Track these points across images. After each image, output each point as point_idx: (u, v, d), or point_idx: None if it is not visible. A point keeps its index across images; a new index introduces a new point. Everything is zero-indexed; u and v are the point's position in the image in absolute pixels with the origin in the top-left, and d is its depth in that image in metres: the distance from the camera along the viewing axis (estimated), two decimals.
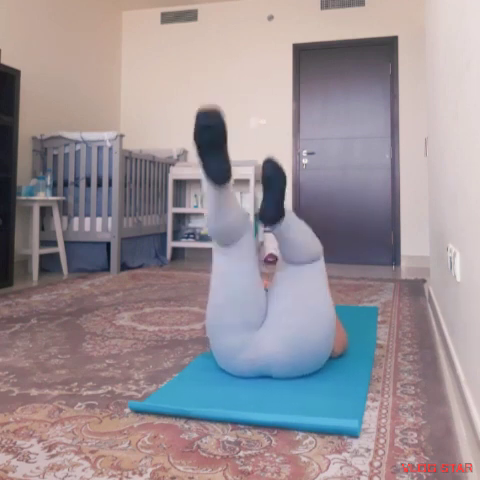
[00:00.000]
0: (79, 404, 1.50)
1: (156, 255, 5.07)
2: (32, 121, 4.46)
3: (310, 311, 1.65)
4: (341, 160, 5.25)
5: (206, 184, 1.57)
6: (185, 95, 5.76)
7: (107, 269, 4.39)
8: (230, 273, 1.67)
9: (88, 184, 4.40)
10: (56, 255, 4.36)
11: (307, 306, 1.66)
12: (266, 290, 1.78)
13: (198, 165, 1.58)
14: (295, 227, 1.70)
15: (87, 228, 4.36)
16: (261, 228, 4.76)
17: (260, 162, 5.41)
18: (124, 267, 4.50)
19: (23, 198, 3.96)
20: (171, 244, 5.14)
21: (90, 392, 1.60)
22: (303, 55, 5.42)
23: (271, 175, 1.62)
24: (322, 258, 1.78)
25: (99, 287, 3.58)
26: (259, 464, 1.15)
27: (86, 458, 1.18)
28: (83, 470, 1.13)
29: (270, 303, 1.71)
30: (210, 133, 1.47)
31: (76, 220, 4.39)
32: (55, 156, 4.47)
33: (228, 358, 1.69)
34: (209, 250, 5.61)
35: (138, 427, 1.35)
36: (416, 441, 1.27)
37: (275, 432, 1.32)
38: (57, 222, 4.20)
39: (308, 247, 1.71)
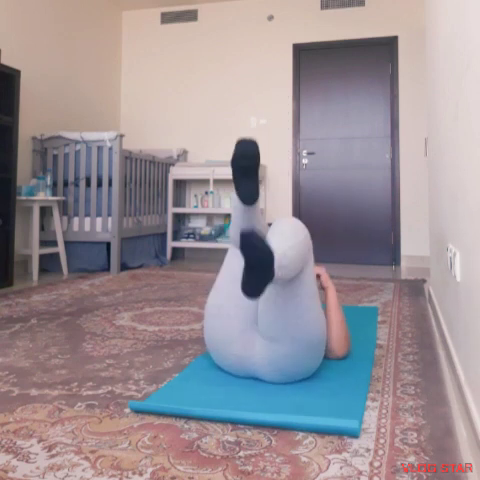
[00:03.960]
0: (79, 404, 1.50)
1: (156, 255, 5.07)
2: (32, 121, 4.46)
3: (297, 335, 1.57)
4: (341, 160, 5.25)
5: (236, 202, 1.73)
6: (185, 95, 5.76)
7: (107, 269, 4.39)
8: (238, 271, 1.73)
9: (88, 184, 4.40)
10: (56, 255, 4.36)
11: (294, 330, 1.57)
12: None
13: (233, 186, 1.72)
14: (287, 268, 1.46)
15: (87, 228, 4.36)
16: None
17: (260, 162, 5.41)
18: (124, 267, 4.50)
19: (23, 198, 3.96)
20: (171, 244, 5.14)
21: (90, 392, 1.60)
22: (303, 55, 5.42)
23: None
24: (312, 259, 1.65)
25: (99, 287, 3.58)
26: (259, 464, 1.15)
27: (86, 458, 1.18)
28: (83, 470, 1.13)
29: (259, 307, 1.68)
30: (246, 160, 1.62)
31: (76, 220, 4.39)
32: (55, 156, 4.47)
33: (219, 347, 1.70)
34: (209, 250, 5.62)
35: (138, 427, 1.35)
36: (416, 441, 1.27)
37: (275, 432, 1.32)
38: (57, 222, 4.20)
39: (296, 271, 1.52)
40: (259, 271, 1.37)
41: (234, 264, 1.78)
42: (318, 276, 1.98)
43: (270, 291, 1.58)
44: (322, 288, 1.96)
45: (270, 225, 1.68)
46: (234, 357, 1.68)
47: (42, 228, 4.41)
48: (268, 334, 1.62)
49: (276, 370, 1.63)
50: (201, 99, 5.70)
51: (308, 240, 1.60)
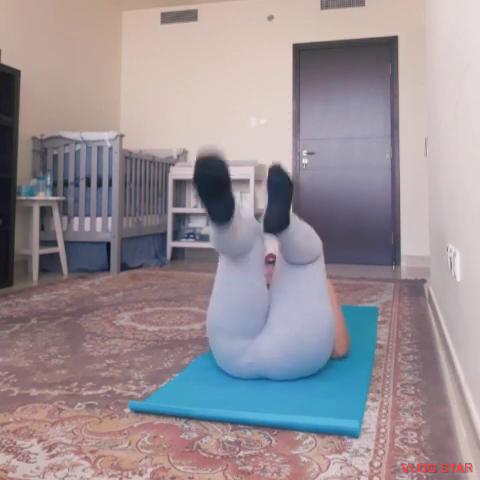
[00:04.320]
0: (79, 404, 1.50)
1: (156, 255, 5.07)
2: (32, 121, 4.46)
3: (307, 318, 1.63)
4: (341, 160, 5.25)
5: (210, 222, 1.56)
6: (185, 95, 5.76)
7: (107, 269, 4.39)
8: (234, 283, 1.66)
9: (88, 184, 4.40)
10: (56, 255, 4.36)
11: (304, 313, 1.64)
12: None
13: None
14: (299, 234, 1.66)
15: (87, 228, 4.36)
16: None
17: (260, 162, 5.42)
18: (124, 267, 4.50)
19: (23, 198, 3.96)
20: (171, 244, 5.14)
21: (90, 392, 1.60)
22: (303, 55, 5.42)
23: (277, 182, 1.57)
24: (322, 255, 1.77)
25: (99, 287, 3.58)
26: (259, 464, 1.15)
27: (86, 458, 1.18)
28: (83, 470, 1.13)
29: (270, 306, 1.71)
30: (210, 179, 1.42)
31: (76, 220, 4.39)
32: (55, 156, 4.47)
33: (227, 361, 1.70)
34: (209, 250, 5.61)
35: (138, 427, 1.35)
36: (416, 441, 1.27)
37: (275, 432, 1.32)
38: (57, 222, 4.20)
39: (310, 250, 1.69)
40: (282, 201, 1.55)
41: (224, 273, 1.71)
42: None
43: (284, 269, 1.71)
44: None
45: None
46: (244, 366, 1.68)
47: (42, 228, 4.41)
48: (282, 314, 1.65)
49: (285, 357, 1.61)
50: (201, 99, 5.70)
51: (320, 243, 1.76)
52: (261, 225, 1.62)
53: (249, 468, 1.14)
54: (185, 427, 1.35)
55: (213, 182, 1.42)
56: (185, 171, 5.19)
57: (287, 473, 1.12)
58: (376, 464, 1.15)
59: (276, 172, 1.57)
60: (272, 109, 5.47)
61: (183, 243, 5.12)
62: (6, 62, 4.09)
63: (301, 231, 1.67)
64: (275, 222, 1.57)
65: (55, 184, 4.44)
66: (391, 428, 1.34)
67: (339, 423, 1.29)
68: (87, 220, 4.37)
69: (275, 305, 1.69)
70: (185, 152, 5.69)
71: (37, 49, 4.55)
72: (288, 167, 5.36)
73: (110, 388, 1.64)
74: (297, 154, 5.36)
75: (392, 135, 5.12)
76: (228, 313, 1.65)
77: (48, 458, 1.19)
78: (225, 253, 1.64)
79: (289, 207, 1.59)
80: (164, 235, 5.30)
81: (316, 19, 5.37)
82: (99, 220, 4.34)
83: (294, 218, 1.66)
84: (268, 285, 1.77)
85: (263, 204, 5.38)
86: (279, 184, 1.57)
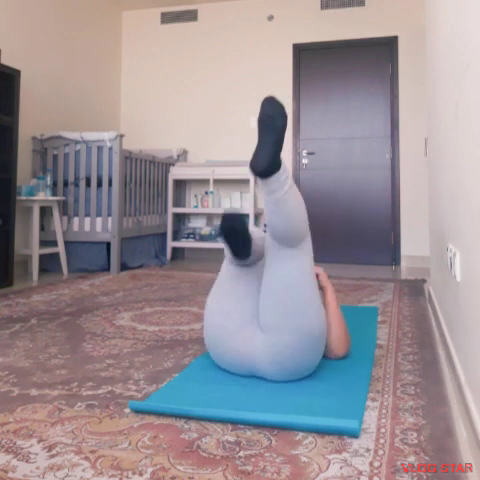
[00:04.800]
0: (79, 404, 1.50)
1: (156, 255, 5.07)
2: (32, 121, 4.46)
3: (297, 329, 1.58)
4: (341, 160, 5.25)
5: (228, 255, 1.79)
6: (185, 95, 5.76)
7: (107, 269, 4.39)
8: (239, 276, 1.77)
9: (88, 184, 4.40)
10: (56, 255, 4.36)
11: (295, 323, 1.58)
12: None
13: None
14: (290, 193, 1.54)
15: (87, 228, 4.36)
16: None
17: None
18: (124, 267, 4.50)
19: (23, 198, 3.96)
20: (171, 244, 5.14)
21: (90, 392, 1.60)
22: (303, 55, 5.42)
23: (270, 114, 1.46)
24: (309, 237, 1.68)
25: (99, 287, 3.58)
26: (259, 464, 1.15)
27: (86, 458, 1.18)
28: (83, 470, 1.13)
29: (260, 303, 1.69)
30: (233, 230, 1.61)
31: (76, 220, 4.39)
32: (55, 156, 4.47)
33: (217, 342, 1.70)
34: (209, 250, 5.62)
35: (138, 427, 1.35)
36: (416, 441, 1.26)
37: (275, 432, 1.32)
38: (57, 222, 4.20)
39: (299, 224, 1.58)
40: (273, 136, 1.47)
41: (234, 263, 1.79)
42: (317, 276, 1.98)
43: (271, 278, 1.63)
44: (320, 288, 1.96)
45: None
46: (234, 352, 1.67)
47: (42, 228, 4.41)
48: (269, 324, 1.61)
49: (276, 364, 1.61)
50: (201, 99, 5.70)
51: (306, 217, 1.65)
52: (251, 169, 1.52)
53: (249, 468, 1.14)
54: (185, 427, 1.35)
55: (237, 231, 1.61)
56: (185, 171, 5.19)
57: (287, 473, 1.12)
58: (376, 464, 1.15)
59: (270, 103, 1.48)
60: None
61: (183, 243, 5.12)
62: (6, 62, 4.09)
63: (292, 191, 1.55)
64: (263, 162, 1.47)
65: (55, 184, 4.44)
66: (391, 428, 1.34)
67: (339, 423, 1.29)
68: (87, 220, 4.37)
69: (264, 304, 1.65)
70: (185, 152, 5.69)
71: (37, 49, 4.55)
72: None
73: (110, 388, 1.64)
74: (297, 154, 5.36)
75: (392, 135, 5.12)
76: (229, 295, 1.73)
77: (48, 458, 1.19)
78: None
79: (280, 147, 1.49)
80: (164, 235, 5.30)
81: (316, 19, 5.37)
82: (99, 220, 4.34)
83: (289, 183, 1.55)
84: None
85: (262, 204, 5.39)
86: (272, 117, 1.46)
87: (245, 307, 1.69)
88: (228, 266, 1.81)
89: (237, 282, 1.74)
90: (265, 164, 1.47)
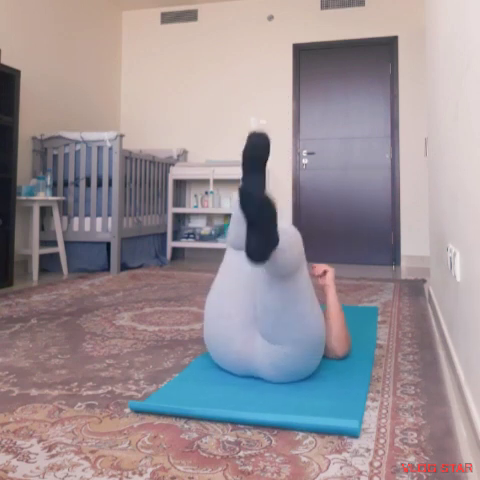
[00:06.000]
0: (79, 404, 1.50)
1: (156, 255, 5.07)
2: (32, 121, 4.46)
3: (298, 337, 1.57)
4: (341, 160, 5.25)
5: (236, 208, 1.70)
6: (185, 95, 5.76)
7: (107, 269, 4.39)
8: (241, 265, 1.75)
9: (88, 184, 4.40)
10: (56, 255, 4.36)
11: (295, 334, 1.57)
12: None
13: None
14: (290, 252, 1.50)
15: (87, 228, 4.36)
16: None
17: None
18: (124, 267, 4.50)
19: (23, 198, 3.96)
20: (171, 244, 5.14)
21: (90, 392, 1.60)
22: (303, 55, 5.42)
23: (254, 211, 1.34)
24: (304, 263, 1.62)
25: (99, 287, 3.58)
26: (259, 464, 1.15)
27: (86, 458, 1.18)
28: (83, 470, 1.13)
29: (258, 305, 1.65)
30: (257, 152, 1.44)
31: (76, 220, 4.39)
32: (55, 156, 4.47)
33: (218, 343, 1.70)
34: (209, 250, 5.61)
35: (138, 427, 1.35)
36: (416, 441, 1.26)
37: (275, 432, 1.32)
38: (57, 222, 4.20)
39: (295, 266, 1.54)
40: (262, 230, 1.35)
41: (233, 263, 1.78)
42: (324, 272, 1.97)
43: (267, 298, 1.58)
44: (321, 286, 1.96)
45: None
46: (234, 354, 1.67)
47: (42, 228, 4.41)
48: (268, 338, 1.62)
49: (276, 368, 1.63)
50: (201, 99, 5.70)
51: (301, 243, 1.59)
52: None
53: (249, 468, 1.14)
54: (185, 427, 1.35)
55: (259, 154, 1.42)
56: (185, 171, 5.19)
57: (287, 473, 1.12)
58: (376, 464, 1.15)
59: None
60: (272, 109, 5.47)
61: (183, 243, 5.12)
62: (6, 62, 4.09)
63: (288, 251, 1.48)
64: (257, 256, 1.37)
65: (55, 184, 4.44)
66: (391, 428, 1.34)
67: (339, 423, 1.29)
68: (87, 220, 4.37)
69: (263, 320, 1.61)
70: (185, 152, 5.69)
71: (37, 49, 4.55)
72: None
73: (110, 388, 1.64)
74: (297, 154, 5.36)
75: (392, 135, 5.12)
76: (229, 297, 1.72)
77: (48, 458, 1.19)
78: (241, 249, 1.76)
79: (274, 232, 1.39)
80: (164, 235, 5.30)
81: (316, 19, 5.37)
82: (99, 220, 4.34)
83: (283, 237, 1.46)
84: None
85: None
86: (257, 212, 1.35)
87: (245, 310, 1.68)
88: (229, 264, 1.79)
89: (238, 282, 1.73)
90: (259, 257, 1.38)
